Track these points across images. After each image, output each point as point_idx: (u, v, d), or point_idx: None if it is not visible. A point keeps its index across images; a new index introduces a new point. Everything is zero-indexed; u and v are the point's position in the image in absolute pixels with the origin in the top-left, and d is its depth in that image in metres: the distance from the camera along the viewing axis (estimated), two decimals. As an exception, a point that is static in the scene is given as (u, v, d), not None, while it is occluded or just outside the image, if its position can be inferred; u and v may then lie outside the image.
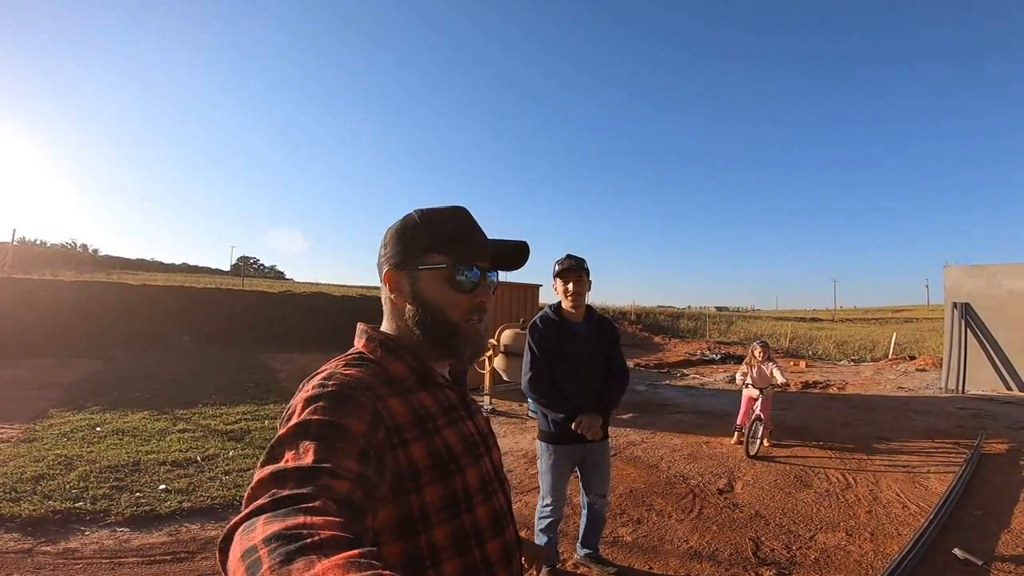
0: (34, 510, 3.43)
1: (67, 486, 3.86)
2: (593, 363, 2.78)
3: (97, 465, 4.34)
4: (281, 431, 0.69)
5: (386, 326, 0.97)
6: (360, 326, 0.97)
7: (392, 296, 0.95)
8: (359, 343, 0.94)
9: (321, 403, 0.72)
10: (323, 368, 0.85)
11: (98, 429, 5.49)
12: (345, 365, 0.85)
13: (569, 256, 2.74)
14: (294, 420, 0.70)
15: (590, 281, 2.79)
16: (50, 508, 3.48)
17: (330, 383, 0.77)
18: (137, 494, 3.82)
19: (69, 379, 8.52)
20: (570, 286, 2.72)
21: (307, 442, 0.65)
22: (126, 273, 26.19)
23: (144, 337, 13.48)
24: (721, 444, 5.94)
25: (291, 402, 0.77)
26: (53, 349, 11.47)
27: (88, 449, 4.80)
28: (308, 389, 0.77)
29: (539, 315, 2.84)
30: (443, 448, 0.84)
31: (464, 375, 1.05)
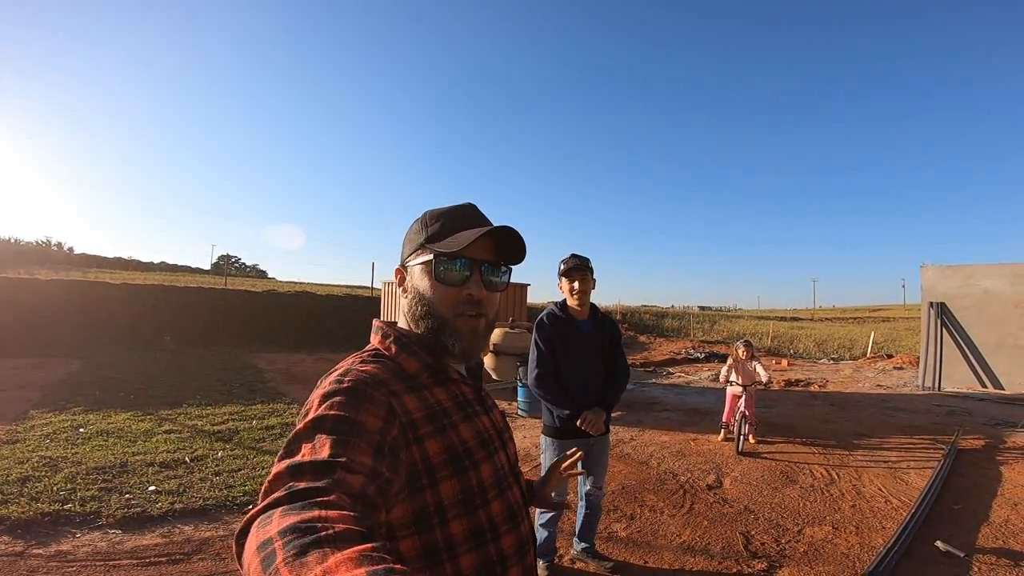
0: (23, 512, 3.37)
1: (54, 488, 3.79)
2: (597, 360, 2.84)
3: (83, 467, 4.27)
4: (298, 426, 0.70)
5: (401, 322, 0.98)
6: (376, 323, 0.99)
7: (399, 291, 0.99)
8: (375, 339, 0.95)
9: (337, 399, 0.73)
10: (340, 365, 0.86)
11: (81, 430, 5.39)
12: (361, 362, 0.86)
13: (574, 255, 2.79)
14: (310, 415, 0.71)
15: (594, 280, 2.84)
16: (38, 510, 3.42)
17: (346, 379, 0.78)
18: (127, 495, 3.77)
19: (48, 379, 8.34)
20: (575, 285, 2.77)
21: (323, 437, 0.66)
22: (103, 271, 25.61)
23: (125, 337, 13.24)
24: (708, 441, 6.04)
25: (309, 398, 0.78)
26: (30, 349, 11.21)
27: (73, 450, 4.71)
28: (325, 385, 0.78)
29: (545, 312, 2.88)
30: (458, 444, 0.85)
31: (479, 371, 1.06)
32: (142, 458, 4.60)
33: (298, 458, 0.63)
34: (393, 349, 0.91)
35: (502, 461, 0.94)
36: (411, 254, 0.96)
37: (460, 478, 0.83)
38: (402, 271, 0.98)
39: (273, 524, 0.49)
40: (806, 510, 4.03)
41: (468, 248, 0.89)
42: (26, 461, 4.31)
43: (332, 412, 0.71)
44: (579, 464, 2.85)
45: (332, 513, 0.50)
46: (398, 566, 0.42)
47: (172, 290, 16.55)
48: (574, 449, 1.28)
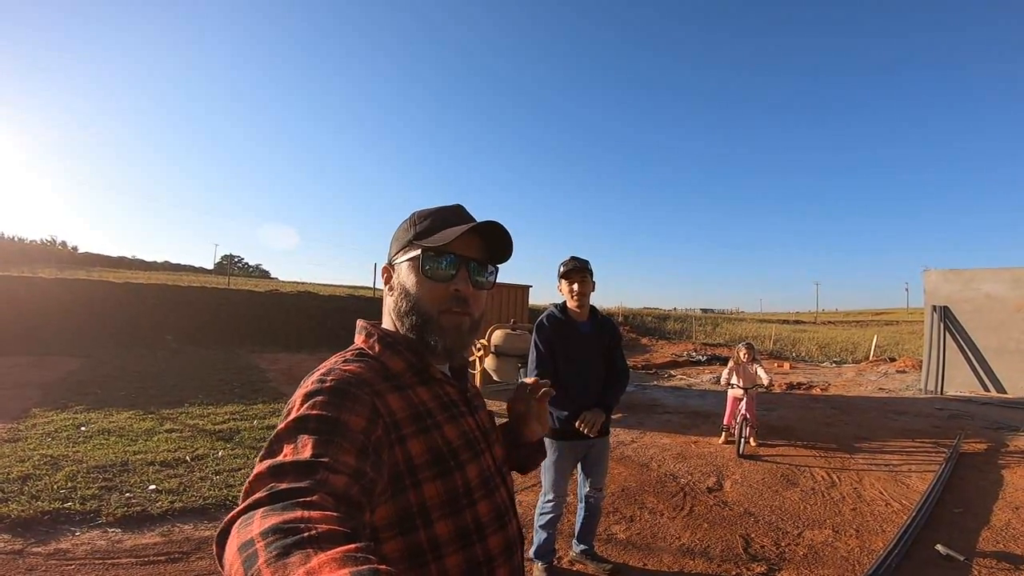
0: (22, 511, 3.37)
1: (55, 486, 3.80)
2: (596, 362, 2.85)
3: (84, 465, 4.28)
4: (280, 426, 0.69)
5: (385, 322, 0.98)
6: (360, 322, 0.98)
7: (385, 289, 0.99)
8: (359, 339, 0.95)
9: (320, 398, 0.73)
10: (323, 364, 0.86)
11: (83, 429, 5.40)
12: (344, 361, 0.86)
13: (573, 258, 2.79)
14: (293, 415, 0.70)
15: (594, 282, 2.85)
16: (39, 508, 3.42)
17: (329, 379, 0.77)
18: (127, 494, 3.78)
19: (50, 378, 8.35)
20: (575, 287, 2.78)
21: (305, 437, 0.66)
22: (107, 271, 25.64)
23: (127, 336, 13.26)
24: (709, 443, 6.03)
25: (291, 398, 0.77)
26: (32, 347, 11.22)
27: (74, 449, 4.72)
28: (307, 385, 0.77)
29: (545, 314, 2.89)
30: (442, 444, 0.84)
31: (466, 371, 1.05)
32: (143, 457, 4.60)
33: (280, 458, 0.62)
34: (377, 348, 0.91)
35: (488, 462, 0.94)
36: (398, 251, 0.96)
37: (444, 479, 0.82)
38: (389, 269, 0.98)
39: (255, 525, 0.48)
40: (806, 513, 4.02)
41: (455, 244, 0.89)
42: (27, 459, 4.32)
43: (314, 412, 0.70)
44: (577, 466, 2.85)
45: (315, 514, 0.50)
46: (383, 566, 0.42)
47: (174, 289, 16.56)
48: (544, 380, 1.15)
